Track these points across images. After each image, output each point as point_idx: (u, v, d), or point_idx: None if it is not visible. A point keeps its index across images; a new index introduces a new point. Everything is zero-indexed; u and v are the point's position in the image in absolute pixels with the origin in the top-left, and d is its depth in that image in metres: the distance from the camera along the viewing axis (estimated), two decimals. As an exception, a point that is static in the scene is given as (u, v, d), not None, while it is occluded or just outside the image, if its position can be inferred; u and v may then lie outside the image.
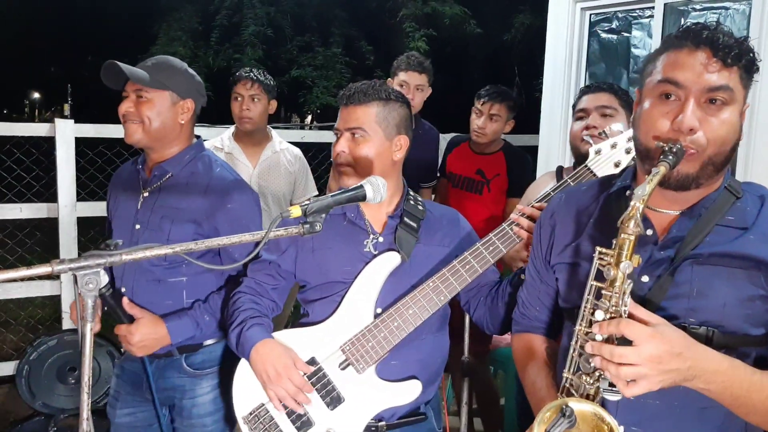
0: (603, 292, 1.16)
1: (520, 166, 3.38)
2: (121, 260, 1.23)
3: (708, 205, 1.25)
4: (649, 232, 1.27)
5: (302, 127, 10.54)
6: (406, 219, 1.82)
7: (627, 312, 1.12)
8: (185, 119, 2.02)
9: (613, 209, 1.33)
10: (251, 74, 3.28)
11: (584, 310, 1.20)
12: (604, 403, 1.19)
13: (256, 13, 9.36)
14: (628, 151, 1.74)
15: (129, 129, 1.97)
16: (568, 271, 1.38)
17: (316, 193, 3.57)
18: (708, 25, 1.20)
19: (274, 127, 3.64)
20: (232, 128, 3.42)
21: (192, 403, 2.03)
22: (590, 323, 1.17)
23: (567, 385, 1.23)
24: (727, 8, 2.97)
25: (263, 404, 1.80)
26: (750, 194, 1.27)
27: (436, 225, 1.86)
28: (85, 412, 1.19)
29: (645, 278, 1.25)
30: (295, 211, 1.42)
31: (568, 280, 1.38)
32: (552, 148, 3.59)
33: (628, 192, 1.32)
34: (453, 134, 3.90)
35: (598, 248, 1.19)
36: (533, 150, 3.73)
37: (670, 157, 1.15)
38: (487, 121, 3.29)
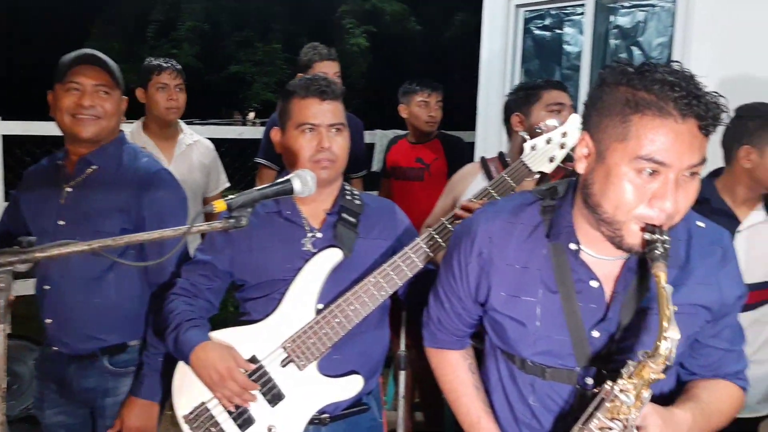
0: (616, 414, 1.15)
1: (457, 149, 3.47)
2: (34, 258, 1.17)
3: None
4: (595, 284, 1.26)
5: (244, 123, 10.41)
6: (344, 214, 1.82)
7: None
8: (122, 115, 2.03)
9: (559, 263, 1.27)
10: (173, 65, 3.23)
11: (590, 423, 1.18)
12: None
13: (193, 8, 9.20)
14: (562, 146, 1.78)
15: (85, 123, 1.92)
16: (511, 324, 1.33)
17: (228, 185, 3.53)
18: (688, 83, 1.07)
19: (213, 124, 3.59)
20: (138, 122, 3.31)
21: (114, 401, 1.99)
22: (591, 430, 1.18)
23: None
24: (653, 6, 3.08)
25: (204, 403, 1.78)
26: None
27: (375, 218, 1.87)
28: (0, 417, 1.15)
29: (595, 333, 1.27)
30: (220, 206, 1.39)
31: (512, 333, 1.34)
32: (489, 143, 3.65)
33: (572, 246, 1.26)
34: (394, 131, 3.94)
35: (619, 381, 1.15)
36: (470, 146, 3.79)
37: (662, 260, 1.08)
38: (435, 110, 3.41)
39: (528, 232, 1.31)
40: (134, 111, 3.05)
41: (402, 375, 2.28)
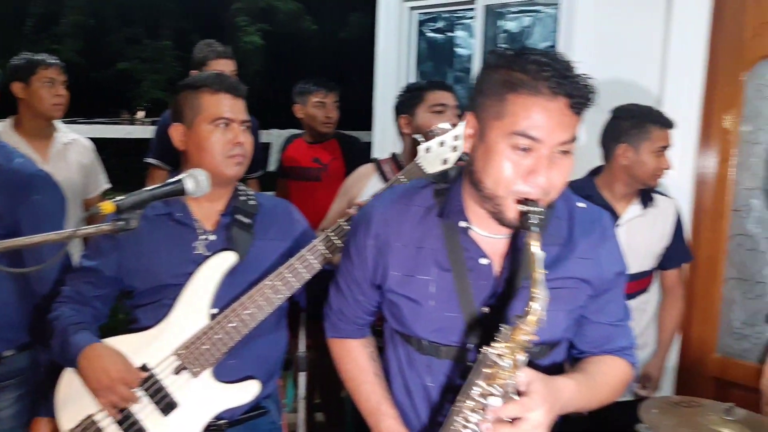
0: (494, 380, 1.17)
1: (354, 149, 3.48)
2: None
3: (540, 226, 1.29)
4: (485, 261, 1.30)
5: (132, 123, 10.00)
6: (238, 216, 1.78)
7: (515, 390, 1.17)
8: None
9: (451, 242, 1.31)
10: (58, 61, 3.07)
11: (471, 390, 1.19)
12: None
13: (77, 2, 8.75)
14: (454, 149, 1.81)
15: None
16: (407, 304, 1.36)
17: (109, 186, 3.38)
18: (561, 65, 1.14)
19: (99, 123, 3.42)
20: (8, 121, 3.09)
21: None
22: (475, 400, 1.19)
23: None
24: (538, 12, 3.22)
25: (90, 416, 1.69)
26: (558, 200, 1.31)
27: (270, 218, 1.84)
28: None
29: (485, 309, 1.30)
30: (107, 207, 1.33)
31: (408, 312, 1.36)
32: (386, 144, 3.69)
33: (462, 224, 1.31)
34: (290, 130, 3.90)
35: (493, 345, 1.18)
36: (368, 146, 3.82)
37: (536, 228, 1.14)
38: (333, 110, 3.40)
39: (422, 213, 1.35)
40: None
41: (301, 377, 2.27)
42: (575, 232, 1.32)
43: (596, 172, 2.46)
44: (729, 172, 2.74)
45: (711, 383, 2.78)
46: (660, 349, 2.48)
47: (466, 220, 1.31)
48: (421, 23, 3.73)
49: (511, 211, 1.19)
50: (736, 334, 2.76)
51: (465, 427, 1.20)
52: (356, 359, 1.52)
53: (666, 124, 2.29)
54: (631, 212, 2.36)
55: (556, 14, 3.12)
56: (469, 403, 1.19)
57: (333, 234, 1.73)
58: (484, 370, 1.17)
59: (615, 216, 2.34)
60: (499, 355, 1.15)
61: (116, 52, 9.18)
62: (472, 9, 3.44)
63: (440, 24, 3.66)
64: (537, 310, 1.13)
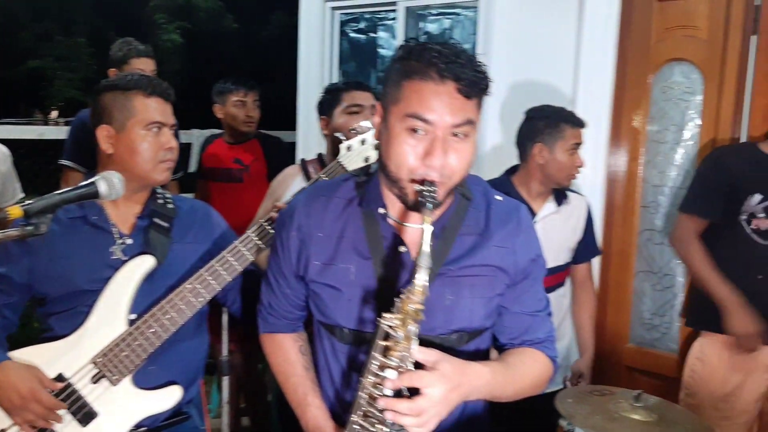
0: (390, 353, 1.19)
1: (276, 149, 3.45)
2: None
3: (449, 215, 1.35)
4: (403, 249, 1.33)
5: (46, 123, 9.57)
6: (156, 219, 1.75)
7: (412, 362, 1.18)
8: None
9: (370, 231, 1.35)
10: None
11: (371, 365, 1.21)
12: None
13: (-19, -4, 8.31)
14: (377, 147, 1.84)
15: None
16: (328, 292, 1.38)
17: (23, 195, 3.24)
18: (450, 51, 1.19)
19: (9, 123, 3.25)
20: None
21: None
22: (376, 374, 1.20)
23: (357, 429, 1.25)
24: (458, 14, 3.29)
25: (4, 430, 1.62)
26: (477, 194, 1.39)
27: (189, 221, 1.81)
28: None
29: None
30: (15, 212, 1.28)
31: (330, 301, 1.38)
32: (311, 144, 3.69)
33: (381, 210, 1.34)
34: (212, 130, 3.83)
35: (384, 315, 1.20)
36: (292, 147, 3.80)
37: (430, 205, 1.18)
38: (253, 109, 3.36)
39: (343, 205, 1.39)
40: None
41: (225, 381, 2.24)
42: (492, 222, 1.36)
43: (513, 171, 2.53)
44: (638, 170, 2.88)
45: (624, 372, 2.92)
46: (585, 349, 2.57)
47: (384, 206, 1.34)
48: (344, 23, 3.74)
49: (411, 192, 1.23)
50: (647, 324, 2.90)
51: (369, 403, 1.22)
52: (286, 353, 1.53)
53: (578, 123, 2.38)
54: (546, 209, 2.44)
55: (474, 17, 3.19)
56: (371, 378, 1.21)
57: (254, 234, 1.72)
58: (380, 342, 1.19)
59: (531, 213, 2.42)
60: (391, 327, 1.17)
61: (27, 50, 8.77)
62: (393, 10, 3.48)
63: (362, 25, 3.69)
64: (421, 278, 1.15)
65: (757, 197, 2.32)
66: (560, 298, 2.54)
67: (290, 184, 2.36)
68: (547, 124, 2.37)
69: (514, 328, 1.41)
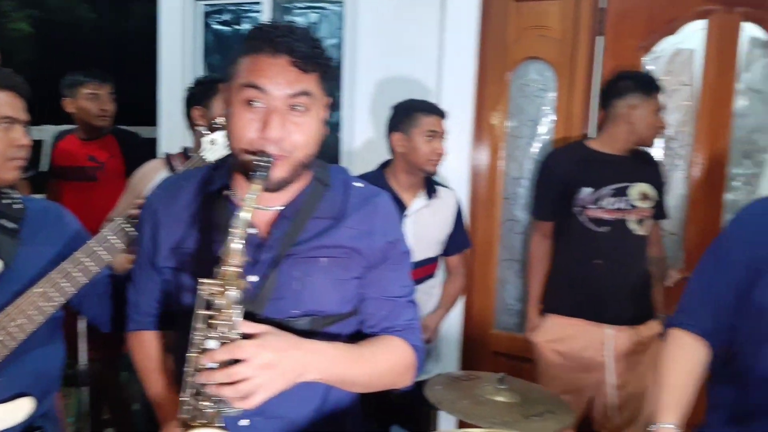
0: (211, 321, 1.14)
1: (134, 145, 3.29)
2: None
3: (303, 199, 1.33)
4: (254, 231, 1.30)
5: None
6: (2, 220, 1.61)
7: (237, 333, 1.14)
8: None
9: (212, 210, 1.33)
10: None
11: (195, 338, 1.17)
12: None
13: None
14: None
15: None
16: (174, 276, 1.35)
17: None
18: (284, 28, 1.22)
19: None
20: None
21: None
22: (203, 350, 1.15)
23: (188, 409, 1.19)
24: (324, 8, 3.28)
25: None
26: (336, 181, 1.38)
27: (39, 223, 1.68)
28: None
29: (254, 278, 1.28)
30: None
31: (175, 285, 1.35)
32: (173, 139, 3.53)
33: (225, 192, 1.33)
34: (66, 126, 3.58)
35: (201, 280, 1.16)
36: (153, 142, 3.63)
37: (263, 173, 1.17)
38: (108, 102, 3.18)
39: (195, 190, 1.37)
40: None
41: (84, 391, 2.12)
42: (348, 206, 1.35)
43: (386, 165, 2.57)
44: (499, 164, 3.01)
45: (490, 356, 3.04)
46: (441, 306, 2.62)
47: (228, 187, 1.33)
48: (207, 15, 3.62)
49: (248, 164, 1.22)
50: (510, 310, 3.04)
51: (193, 376, 1.17)
52: (148, 350, 1.48)
53: (433, 111, 2.46)
54: (417, 204, 2.50)
55: (341, 12, 3.19)
56: (194, 351, 1.17)
57: (110, 233, 1.63)
58: (201, 312, 1.16)
59: (404, 207, 2.46)
60: (212, 294, 1.14)
61: None
62: (259, 2, 3.41)
63: (227, 17, 3.59)
64: (234, 240, 1.13)
65: (587, 190, 2.53)
66: (431, 290, 2.61)
67: (153, 178, 2.27)
68: (403, 113, 2.46)
69: (374, 314, 1.38)
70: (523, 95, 2.96)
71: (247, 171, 1.21)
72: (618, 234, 2.52)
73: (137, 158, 2.91)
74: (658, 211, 2.61)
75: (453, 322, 2.95)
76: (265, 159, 1.18)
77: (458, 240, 2.64)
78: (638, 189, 2.53)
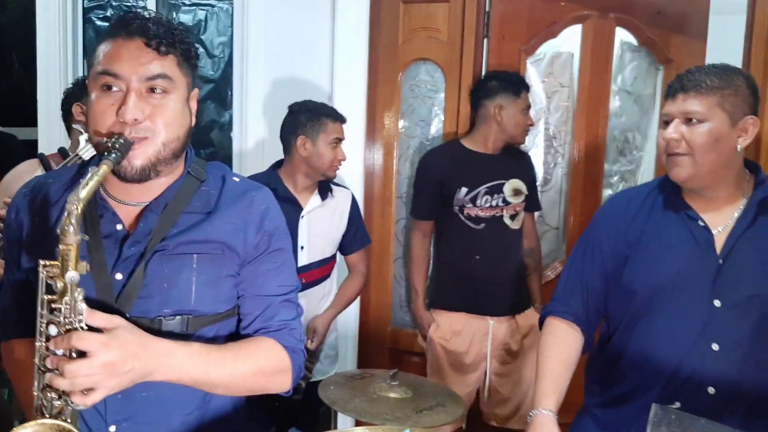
0: (54, 305, 1.10)
1: (8, 147, 3.12)
2: None
3: (174, 193, 1.29)
4: (119, 227, 1.26)
5: None
6: None
7: (83, 321, 1.09)
8: None
9: (92, 213, 1.27)
10: None
11: (40, 326, 1.11)
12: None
13: None
14: None
15: None
16: (35, 273, 1.27)
17: None
18: (141, 14, 1.23)
19: None
20: None
21: None
22: (48, 338, 1.10)
23: (39, 403, 1.13)
24: (213, 6, 3.21)
25: None
26: (213, 176, 1.35)
27: None
28: None
29: (119, 276, 1.24)
30: None
31: (34, 283, 1.28)
32: (53, 139, 3.35)
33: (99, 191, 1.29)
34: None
35: (41, 261, 1.11)
36: (28, 144, 3.43)
37: (114, 155, 1.14)
38: None
39: (63, 189, 1.32)
40: None
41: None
42: (223, 201, 1.32)
43: (279, 165, 2.54)
44: (392, 163, 3.05)
45: (387, 353, 3.08)
46: (331, 307, 2.58)
47: (103, 188, 1.28)
48: (88, 11, 3.46)
49: (105, 148, 1.19)
50: (405, 307, 3.10)
51: (40, 369, 1.12)
52: (19, 358, 1.39)
53: (338, 118, 2.47)
54: (312, 204, 2.49)
55: (230, 10, 3.14)
56: (41, 339, 1.12)
57: None
58: (43, 296, 1.11)
59: (300, 207, 2.45)
60: (51, 276, 1.11)
61: None
62: (144, -1, 3.30)
63: (110, 12, 3.44)
64: (70, 224, 1.08)
65: (464, 190, 2.64)
66: (327, 290, 2.60)
67: (26, 179, 2.15)
68: (309, 117, 2.43)
69: (249, 314, 1.34)
70: (414, 96, 3.02)
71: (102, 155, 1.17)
72: (494, 230, 2.65)
73: (13, 160, 2.74)
74: (530, 204, 2.76)
75: (350, 321, 2.97)
76: (120, 142, 1.16)
77: (357, 238, 2.65)
78: (511, 185, 2.66)
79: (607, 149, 2.90)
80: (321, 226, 2.50)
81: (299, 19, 2.97)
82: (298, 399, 2.35)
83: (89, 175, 1.10)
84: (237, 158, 3.07)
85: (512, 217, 2.68)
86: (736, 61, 2.36)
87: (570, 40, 2.87)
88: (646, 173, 2.98)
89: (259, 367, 1.29)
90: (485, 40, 2.89)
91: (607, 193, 2.92)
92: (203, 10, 3.20)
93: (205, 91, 3.11)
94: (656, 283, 1.56)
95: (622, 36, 2.86)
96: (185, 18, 3.18)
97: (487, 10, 2.87)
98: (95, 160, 1.32)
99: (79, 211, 1.07)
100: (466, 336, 2.69)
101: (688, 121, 1.51)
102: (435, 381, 2.50)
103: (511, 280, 2.70)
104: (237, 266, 1.31)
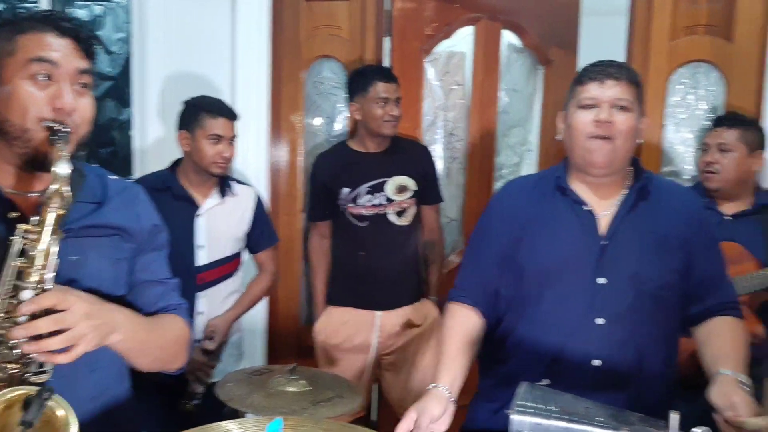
0: (28, 270, 1.11)
1: None
2: None
3: (73, 186, 1.27)
4: (16, 214, 1.24)
5: None
6: None
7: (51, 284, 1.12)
8: None
9: None
10: None
11: (2, 295, 1.11)
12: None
13: None
14: None
15: None
16: None
17: None
18: (69, 16, 1.28)
19: None
20: None
21: None
22: (18, 303, 1.09)
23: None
24: (109, 1, 3.12)
25: None
26: (92, 173, 1.38)
27: None
28: None
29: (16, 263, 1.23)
30: None
31: None
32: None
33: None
34: None
35: (21, 225, 1.13)
36: None
37: (62, 142, 1.17)
38: None
39: None
40: None
41: None
42: (109, 194, 1.37)
43: (177, 163, 2.51)
44: (297, 160, 3.07)
45: (296, 350, 3.10)
46: (233, 307, 2.58)
47: None
48: (-23, 4, 3.30)
49: (40, 137, 1.20)
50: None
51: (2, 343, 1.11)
52: None
53: (221, 113, 2.41)
54: (210, 202, 2.46)
55: (128, 6, 3.06)
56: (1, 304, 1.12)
57: None
58: (12, 263, 1.12)
59: (195, 207, 2.43)
60: (29, 241, 1.12)
61: None
62: (37, -7, 3.18)
63: (1, 6, 3.29)
64: (51, 190, 1.13)
65: (346, 190, 2.70)
66: (231, 288, 2.59)
67: None
68: (189, 112, 2.42)
69: (149, 296, 1.41)
70: (319, 93, 3.04)
71: (35, 145, 1.20)
72: (378, 227, 2.71)
73: None
74: (428, 197, 2.81)
75: (258, 319, 2.96)
76: (65, 129, 1.18)
77: (263, 236, 2.64)
78: (395, 183, 2.71)
79: (498, 144, 3.02)
80: (221, 225, 2.48)
81: (199, 15, 2.93)
82: (198, 403, 2.35)
83: (60, 157, 1.14)
84: (137, 156, 3.01)
85: (399, 214, 2.73)
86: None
87: (463, 40, 2.96)
88: (530, 167, 3.12)
89: (175, 337, 1.40)
90: (386, 39, 2.94)
91: (498, 186, 3.03)
92: (100, 5, 3.10)
93: (103, 89, 3.03)
94: (546, 263, 1.65)
95: (508, 38, 2.98)
96: (81, 14, 3.08)
97: (387, 8, 2.92)
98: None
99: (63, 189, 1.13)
100: (352, 325, 2.76)
101: (616, 108, 1.58)
102: (325, 356, 2.57)
103: (399, 274, 2.75)
104: (131, 251, 1.37)
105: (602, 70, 1.61)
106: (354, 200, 2.69)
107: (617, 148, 1.58)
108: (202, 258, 2.42)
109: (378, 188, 2.69)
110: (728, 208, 2.38)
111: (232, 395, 1.83)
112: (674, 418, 1.22)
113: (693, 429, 1.21)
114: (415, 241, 2.81)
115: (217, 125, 2.38)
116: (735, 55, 2.67)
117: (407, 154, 2.79)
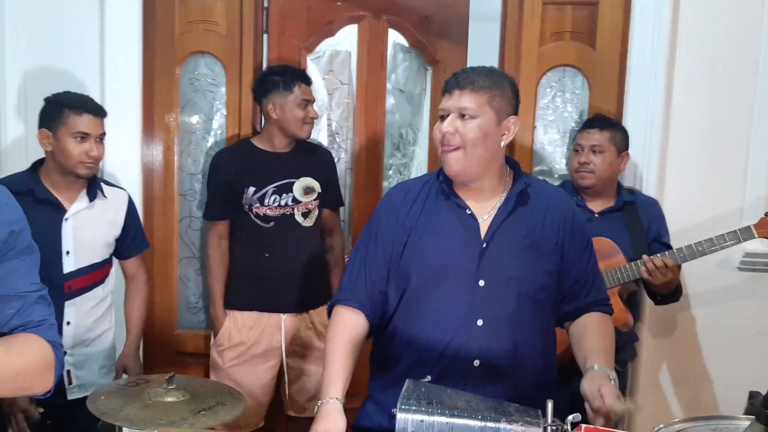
0: None
1: None
2: None
3: None
4: None
5: None
6: None
7: None
8: None
9: None
10: None
11: None
12: None
13: None
14: None
15: None
16: None
17: None
18: None
19: None
20: None
21: None
22: None
23: None
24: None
25: None
26: None
27: None
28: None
29: None
30: None
31: None
32: None
33: None
34: None
35: None
36: None
37: None
38: None
39: None
40: None
41: None
42: None
43: (39, 164, 2.35)
44: (173, 159, 2.95)
45: (175, 357, 2.98)
46: (129, 339, 2.53)
47: None
48: None
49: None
50: (193, 308, 3.02)
51: None
52: None
53: (86, 109, 2.27)
54: (77, 205, 2.32)
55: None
56: None
57: None
58: None
59: (63, 210, 2.28)
60: None
61: None
62: None
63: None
64: None
65: (252, 190, 2.65)
66: (102, 295, 2.45)
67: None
68: (51, 109, 2.27)
69: (6, 313, 1.26)
70: (195, 90, 2.93)
71: None
72: (284, 228, 2.67)
73: None
74: (329, 201, 2.80)
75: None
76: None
77: (134, 242, 2.52)
78: (302, 184, 2.69)
79: (385, 144, 3.05)
80: (90, 230, 2.34)
81: (63, 9, 2.75)
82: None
83: None
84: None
85: (304, 215, 2.71)
86: (492, 64, 2.59)
87: (348, 39, 2.97)
88: (419, 167, 3.18)
89: (28, 363, 1.23)
90: (265, 35, 2.89)
91: (386, 185, 3.07)
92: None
93: (-46, 84, 2.78)
94: (429, 266, 1.69)
95: (395, 37, 3.01)
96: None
97: (265, 6, 2.87)
98: None
99: None
100: (257, 330, 2.70)
101: (461, 116, 1.64)
102: (224, 383, 2.45)
103: (303, 277, 2.72)
104: None
105: (452, 80, 1.69)
106: (260, 200, 2.63)
107: (467, 155, 1.65)
108: (68, 265, 2.28)
109: (285, 189, 2.65)
110: (596, 206, 2.53)
111: (105, 409, 1.72)
112: (549, 405, 1.28)
113: (568, 417, 1.28)
114: (319, 244, 2.80)
115: (81, 122, 2.23)
116: (598, 60, 2.84)
117: (313, 156, 2.78)
